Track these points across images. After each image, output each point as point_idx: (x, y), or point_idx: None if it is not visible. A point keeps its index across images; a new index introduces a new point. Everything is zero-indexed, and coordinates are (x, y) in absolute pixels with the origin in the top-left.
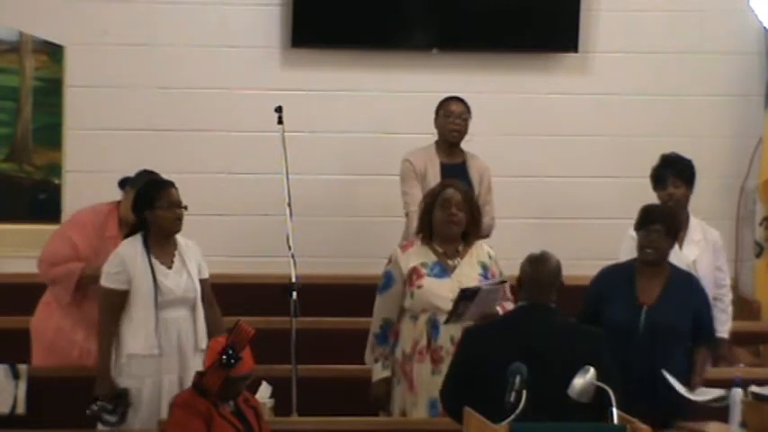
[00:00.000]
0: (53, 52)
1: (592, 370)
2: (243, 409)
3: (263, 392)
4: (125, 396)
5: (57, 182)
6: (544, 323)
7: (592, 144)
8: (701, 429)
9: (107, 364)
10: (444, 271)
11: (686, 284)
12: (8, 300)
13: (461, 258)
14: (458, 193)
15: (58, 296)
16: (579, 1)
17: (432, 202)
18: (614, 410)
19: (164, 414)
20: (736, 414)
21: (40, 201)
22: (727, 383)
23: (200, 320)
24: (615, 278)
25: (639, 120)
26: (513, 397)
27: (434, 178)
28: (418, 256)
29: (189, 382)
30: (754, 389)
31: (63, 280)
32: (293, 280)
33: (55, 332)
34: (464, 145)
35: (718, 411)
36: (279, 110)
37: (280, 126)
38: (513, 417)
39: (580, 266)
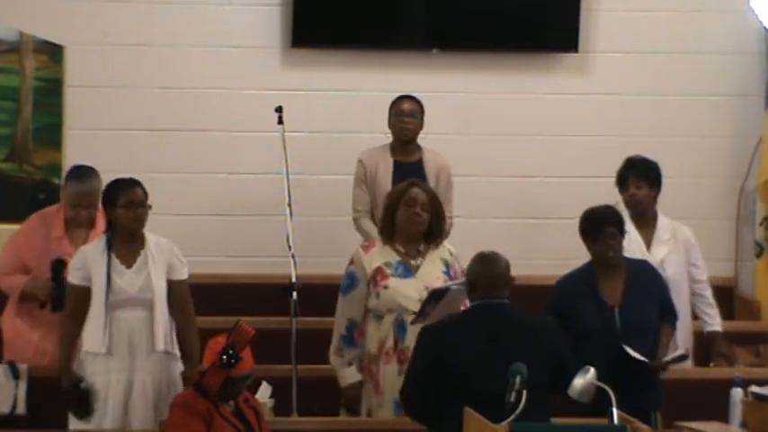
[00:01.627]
0: (53, 52)
1: (592, 370)
2: (243, 409)
3: (263, 392)
4: (83, 388)
5: (57, 182)
6: (501, 320)
7: (592, 144)
8: (701, 429)
9: (65, 357)
10: (408, 271)
11: (644, 274)
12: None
13: (423, 258)
14: (423, 194)
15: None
16: (579, 1)
17: (396, 201)
18: (614, 410)
19: (109, 412)
20: (737, 414)
21: (40, 201)
22: (727, 383)
23: (159, 321)
24: (577, 287)
25: (639, 120)
26: (513, 397)
27: (386, 177)
28: (381, 256)
29: (139, 384)
30: (754, 389)
31: (9, 292)
32: (293, 280)
33: (14, 332)
34: (421, 141)
35: (719, 411)
36: (279, 110)
37: (280, 126)
38: (513, 417)
39: (578, 267)
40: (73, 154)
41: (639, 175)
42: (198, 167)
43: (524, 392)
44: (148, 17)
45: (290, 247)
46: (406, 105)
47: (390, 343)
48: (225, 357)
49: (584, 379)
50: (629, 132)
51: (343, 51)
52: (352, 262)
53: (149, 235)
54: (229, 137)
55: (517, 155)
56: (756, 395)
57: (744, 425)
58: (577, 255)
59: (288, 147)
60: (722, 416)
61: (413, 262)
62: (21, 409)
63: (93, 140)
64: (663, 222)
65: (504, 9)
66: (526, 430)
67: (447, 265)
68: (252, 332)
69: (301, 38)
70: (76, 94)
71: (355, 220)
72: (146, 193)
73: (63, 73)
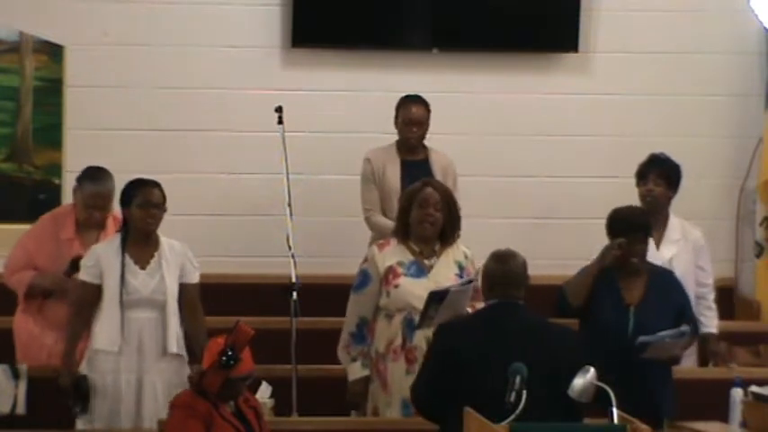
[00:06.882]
0: (53, 52)
1: (592, 370)
2: (243, 409)
3: (263, 392)
4: (84, 384)
5: (57, 182)
6: (515, 321)
7: (592, 144)
8: (701, 429)
9: (68, 353)
10: (421, 271)
11: (666, 282)
12: (9, 300)
13: (438, 258)
14: (436, 193)
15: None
16: (579, 1)
17: (410, 201)
18: (614, 410)
19: (123, 412)
20: (737, 414)
21: (40, 201)
22: (727, 383)
23: (171, 324)
24: (599, 281)
25: (639, 120)
26: (512, 397)
27: (394, 176)
28: (395, 255)
29: (149, 385)
30: (754, 389)
31: (16, 288)
32: (293, 280)
33: (28, 335)
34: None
35: (719, 411)
36: (279, 110)
37: (280, 126)
38: (513, 417)
39: (580, 267)
40: (73, 154)
41: (660, 173)
42: (198, 167)
43: (524, 392)
44: (148, 17)
45: (290, 247)
46: (414, 111)
47: (399, 341)
48: (224, 358)
49: (583, 379)
50: (629, 132)
51: (343, 51)
52: (366, 260)
53: (163, 237)
54: (229, 137)
55: (517, 155)
56: (756, 395)
57: (744, 425)
58: (577, 255)
59: (288, 147)
60: (722, 416)
61: (427, 262)
62: (21, 409)
63: (92, 140)
64: (674, 222)
65: (503, 9)
66: (526, 430)
67: (461, 267)
68: (251, 332)
69: (301, 38)
70: (76, 94)
71: (367, 218)
72: (164, 196)
73: (63, 73)
